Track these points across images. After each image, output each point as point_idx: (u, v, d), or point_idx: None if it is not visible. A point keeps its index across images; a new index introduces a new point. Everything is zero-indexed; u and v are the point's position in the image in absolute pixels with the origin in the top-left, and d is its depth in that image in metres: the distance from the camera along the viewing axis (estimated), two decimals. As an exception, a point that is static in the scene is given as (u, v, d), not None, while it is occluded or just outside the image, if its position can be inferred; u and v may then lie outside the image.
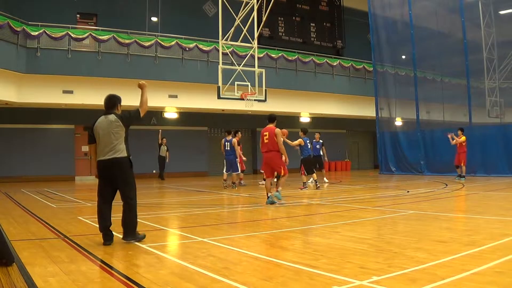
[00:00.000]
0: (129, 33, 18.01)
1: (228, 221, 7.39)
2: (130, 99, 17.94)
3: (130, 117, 5.25)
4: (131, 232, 5.10)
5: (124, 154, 5.12)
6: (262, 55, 19.36)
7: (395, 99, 20.86)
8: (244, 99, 14.52)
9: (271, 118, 8.97)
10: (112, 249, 4.86)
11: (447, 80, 20.29)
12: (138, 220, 5.28)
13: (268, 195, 8.81)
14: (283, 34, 24.05)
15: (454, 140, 14.65)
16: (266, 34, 22.79)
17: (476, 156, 16.71)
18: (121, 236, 5.21)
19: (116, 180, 5.12)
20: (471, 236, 5.26)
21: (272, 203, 8.67)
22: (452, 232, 5.60)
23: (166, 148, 18.63)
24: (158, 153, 18.72)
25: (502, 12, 18.54)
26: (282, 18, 23.99)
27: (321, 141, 14.91)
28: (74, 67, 16.73)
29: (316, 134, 15.10)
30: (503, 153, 16.33)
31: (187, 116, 21.25)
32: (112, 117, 5.18)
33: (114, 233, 5.14)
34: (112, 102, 5.36)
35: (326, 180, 15.38)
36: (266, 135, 8.73)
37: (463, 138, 14.74)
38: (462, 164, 14.90)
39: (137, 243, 5.11)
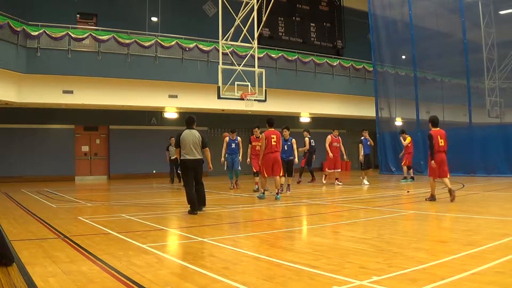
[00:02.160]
0: (129, 33, 17.99)
1: (228, 221, 7.39)
2: (129, 99, 18.19)
3: (204, 143, 7.97)
4: (204, 203, 8.02)
5: (200, 156, 7.89)
6: (262, 55, 19.34)
7: (395, 99, 20.84)
8: (244, 99, 14.50)
9: (272, 122, 9.94)
10: (112, 249, 4.86)
11: (447, 80, 20.28)
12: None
13: (278, 193, 9.80)
14: (283, 34, 24.03)
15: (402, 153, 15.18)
16: (266, 34, 22.76)
17: (476, 156, 16.72)
18: (122, 236, 5.41)
19: (195, 172, 7.87)
20: (471, 236, 5.26)
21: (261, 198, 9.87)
22: (452, 232, 5.60)
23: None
24: (169, 156, 16.11)
25: (502, 12, 18.54)
26: (282, 18, 23.96)
27: (368, 137, 14.17)
28: (74, 67, 16.71)
29: (364, 131, 14.36)
30: (503, 153, 16.32)
31: (187, 116, 21.24)
32: (195, 132, 7.90)
33: (114, 233, 5.16)
34: (192, 120, 8.07)
35: (366, 182, 14.08)
36: (274, 138, 9.72)
37: (408, 139, 14.86)
38: (404, 165, 15.04)
39: (137, 243, 5.13)
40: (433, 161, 8.69)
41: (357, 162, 17.36)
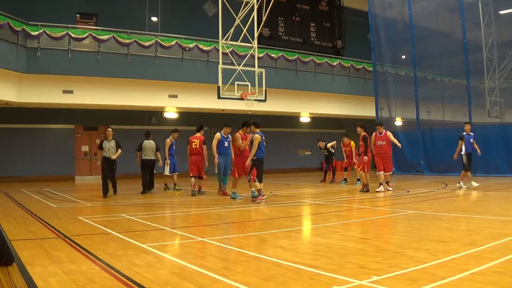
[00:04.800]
0: (129, 33, 17.97)
1: (228, 221, 7.39)
2: (129, 99, 18.19)
3: (157, 148, 12.30)
4: (152, 187, 12.48)
5: (154, 158, 12.23)
6: (262, 55, 19.32)
7: (395, 99, 20.85)
8: (244, 99, 14.49)
9: (200, 128, 11.57)
10: (112, 249, 4.86)
11: (447, 80, 20.29)
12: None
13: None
14: (283, 34, 24.03)
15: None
16: (266, 34, 22.77)
17: (476, 156, 16.70)
18: (122, 236, 5.42)
19: (150, 167, 12.17)
20: (471, 236, 5.26)
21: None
22: (452, 232, 5.60)
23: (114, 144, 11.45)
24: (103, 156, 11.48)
25: (502, 12, 18.54)
26: (282, 18, 23.97)
27: (472, 133, 12.04)
28: (74, 67, 16.70)
29: (466, 125, 12.12)
30: (503, 153, 16.33)
31: (187, 116, 21.23)
32: (152, 141, 12.15)
33: (114, 233, 5.15)
34: (149, 134, 12.34)
35: (463, 185, 12.01)
36: (195, 142, 11.19)
37: (352, 143, 14.11)
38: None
39: (137, 243, 5.14)
40: (365, 157, 11.34)
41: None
